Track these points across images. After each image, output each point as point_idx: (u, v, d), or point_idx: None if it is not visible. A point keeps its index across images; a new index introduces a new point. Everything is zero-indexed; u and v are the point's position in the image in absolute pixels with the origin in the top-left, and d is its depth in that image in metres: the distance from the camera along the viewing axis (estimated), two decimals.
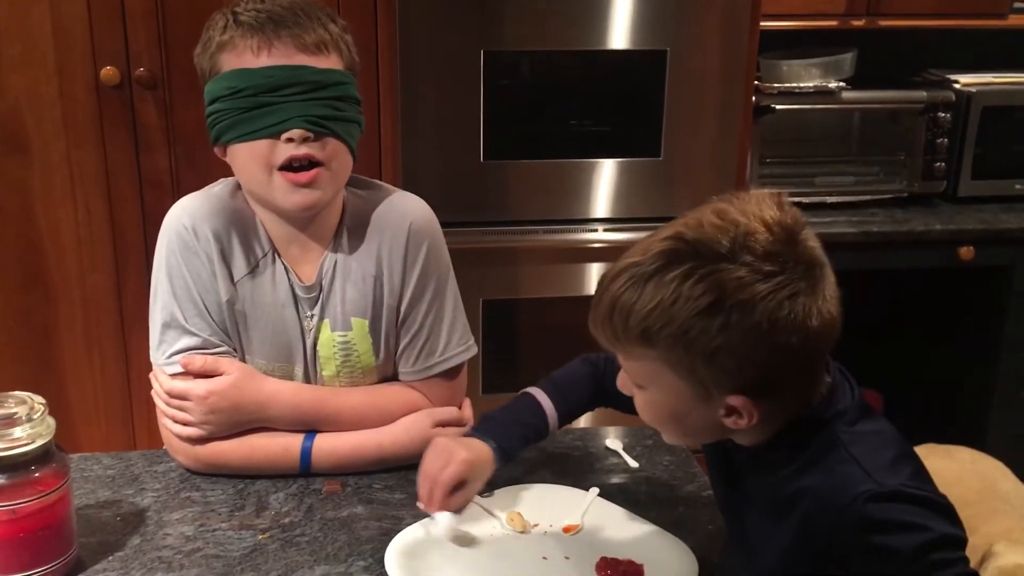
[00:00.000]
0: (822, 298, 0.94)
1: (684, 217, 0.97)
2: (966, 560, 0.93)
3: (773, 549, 1.01)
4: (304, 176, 1.25)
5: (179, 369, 1.31)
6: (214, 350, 1.31)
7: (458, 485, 1.18)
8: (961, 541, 0.94)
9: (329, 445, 1.34)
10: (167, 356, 1.32)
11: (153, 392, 1.35)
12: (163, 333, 1.32)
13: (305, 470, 1.33)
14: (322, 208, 1.31)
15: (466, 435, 1.26)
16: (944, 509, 0.94)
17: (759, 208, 0.94)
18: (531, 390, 1.28)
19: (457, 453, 1.18)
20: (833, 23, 2.59)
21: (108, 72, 2.14)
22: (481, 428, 1.26)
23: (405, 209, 1.38)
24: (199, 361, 1.30)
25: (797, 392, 0.98)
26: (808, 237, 0.95)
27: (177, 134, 2.21)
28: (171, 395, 1.30)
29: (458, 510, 1.19)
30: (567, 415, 1.28)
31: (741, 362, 0.92)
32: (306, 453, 1.32)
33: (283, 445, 1.33)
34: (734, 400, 0.95)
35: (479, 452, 1.21)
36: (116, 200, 2.24)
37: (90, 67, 2.15)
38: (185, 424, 1.30)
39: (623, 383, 1.04)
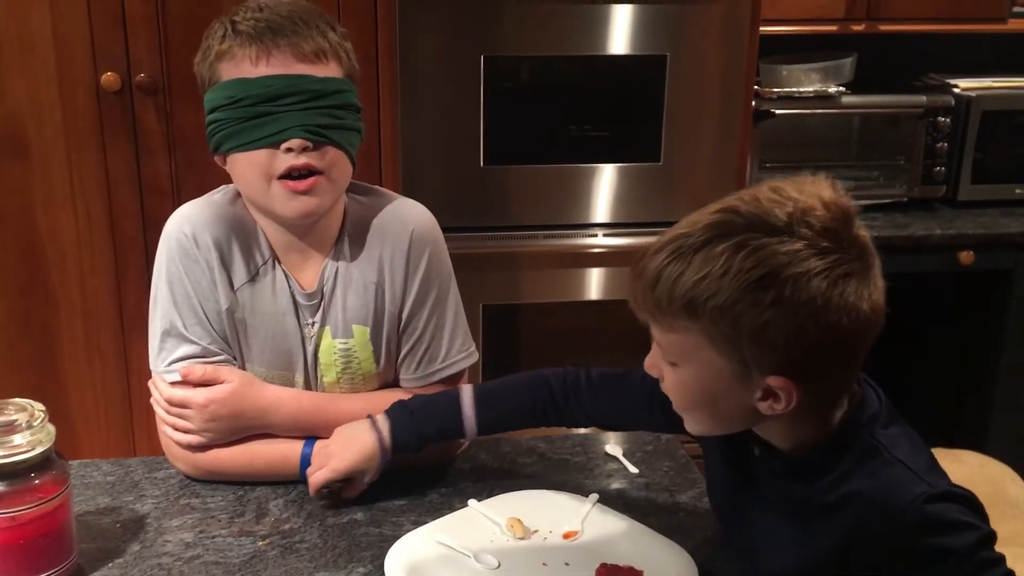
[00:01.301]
0: (873, 285, 0.93)
1: (736, 193, 0.95)
2: (1003, 556, 0.94)
3: (796, 555, 1.00)
4: (302, 184, 1.25)
5: (178, 377, 1.31)
6: (213, 359, 1.31)
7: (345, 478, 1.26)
8: (996, 538, 0.94)
9: None
10: (166, 364, 1.32)
11: (152, 400, 1.35)
12: (162, 341, 1.32)
13: (305, 476, 1.32)
14: (321, 215, 1.31)
15: (370, 418, 1.28)
16: (981, 508, 0.95)
17: (816, 188, 0.93)
18: (463, 390, 1.28)
19: (331, 463, 1.25)
20: (833, 28, 2.59)
21: (109, 77, 2.14)
22: (391, 412, 1.28)
23: (407, 216, 1.38)
24: (199, 371, 1.30)
25: (836, 382, 0.96)
26: (860, 224, 0.94)
27: (177, 139, 2.21)
28: (171, 403, 1.30)
29: (348, 499, 1.28)
30: (494, 422, 1.27)
31: (788, 340, 0.90)
32: (306, 460, 1.31)
33: (283, 452, 1.33)
34: (774, 381, 0.92)
35: (356, 455, 1.25)
36: (116, 205, 2.24)
37: (91, 72, 2.15)
38: (185, 432, 1.30)
39: (652, 363, 1.01)
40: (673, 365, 0.98)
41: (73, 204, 2.23)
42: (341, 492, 1.28)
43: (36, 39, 2.12)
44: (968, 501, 0.94)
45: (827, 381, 0.95)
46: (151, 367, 1.35)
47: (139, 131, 2.20)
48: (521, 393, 1.27)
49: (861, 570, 0.96)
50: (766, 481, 1.05)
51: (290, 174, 1.25)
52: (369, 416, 1.28)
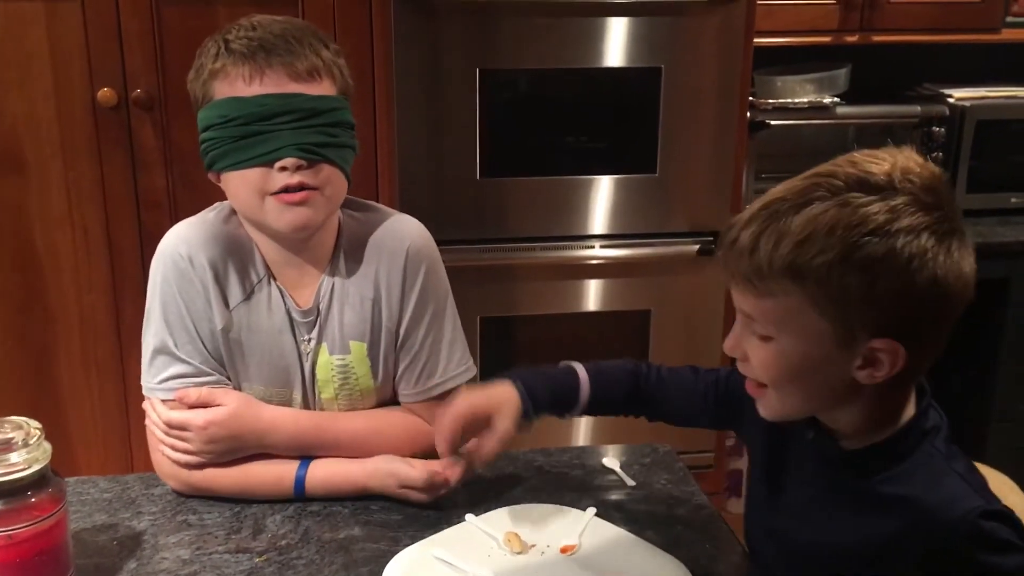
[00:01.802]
0: (968, 249, 0.92)
1: (826, 163, 0.94)
2: None
3: (834, 539, 0.99)
4: (296, 195, 1.25)
5: (170, 396, 1.31)
6: (205, 379, 1.31)
7: (478, 427, 1.16)
8: None
9: (323, 474, 1.32)
10: (157, 380, 1.32)
11: (148, 421, 1.34)
12: (153, 358, 1.32)
13: (300, 496, 1.32)
14: (316, 229, 1.31)
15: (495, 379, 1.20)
16: None
17: (908, 155, 0.93)
18: (572, 363, 1.23)
19: (481, 390, 1.16)
20: (827, 39, 2.60)
21: (105, 93, 2.15)
22: (510, 374, 1.20)
23: (402, 232, 1.38)
24: (194, 394, 1.30)
25: (933, 349, 0.94)
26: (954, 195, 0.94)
27: (174, 155, 2.21)
28: (170, 425, 1.30)
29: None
30: (599, 401, 1.22)
31: (896, 296, 0.88)
32: (300, 481, 1.31)
33: (278, 474, 1.32)
34: (879, 343, 0.90)
35: (503, 390, 1.16)
36: (113, 221, 2.24)
37: (87, 88, 2.16)
38: (184, 452, 1.30)
39: (735, 344, 0.98)
40: (766, 339, 0.95)
41: (70, 220, 2.23)
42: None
43: (33, 55, 2.13)
44: (1019, 525, 0.93)
45: (927, 346, 0.93)
46: (142, 382, 1.35)
47: (136, 146, 2.21)
48: (620, 380, 1.24)
49: (899, 572, 0.95)
50: (814, 465, 1.03)
51: (285, 190, 1.25)
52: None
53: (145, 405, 1.35)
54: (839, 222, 0.88)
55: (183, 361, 1.31)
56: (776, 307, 0.92)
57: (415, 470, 1.29)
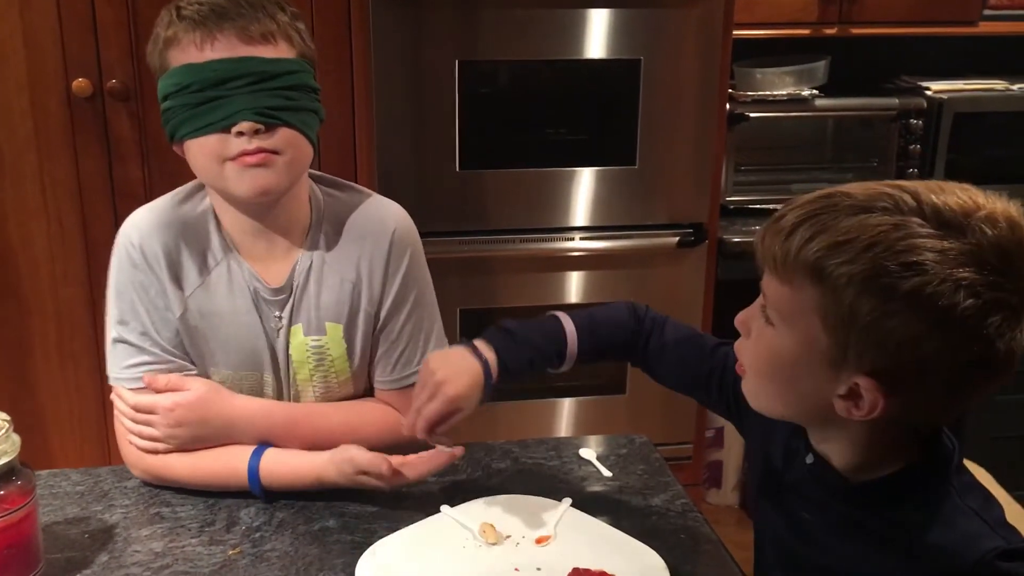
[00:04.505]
0: (1021, 329, 0.83)
1: (925, 181, 0.86)
2: None
3: (853, 573, 0.96)
4: (253, 158, 1.22)
5: (136, 384, 1.30)
6: (167, 365, 1.30)
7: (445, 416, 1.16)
8: None
9: (276, 462, 1.28)
10: (121, 368, 1.31)
11: (116, 412, 1.33)
12: (114, 347, 1.32)
13: (258, 488, 1.28)
14: (279, 194, 1.27)
15: (468, 344, 1.18)
16: None
17: (1008, 206, 0.83)
18: (558, 315, 1.21)
19: (444, 390, 1.14)
20: (806, 31, 2.61)
21: (80, 84, 2.13)
22: (489, 337, 1.18)
23: (387, 215, 1.37)
24: (163, 380, 1.29)
25: (929, 411, 0.88)
26: None
27: (150, 146, 2.20)
28: (138, 409, 1.29)
29: (441, 440, 1.19)
30: (591, 351, 1.20)
31: (902, 342, 0.81)
32: (253, 472, 1.28)
33: (229, 460, 1.29)
34: (864, 382, 0.84)
35: (467, 383, 1.15)
36: (89, 212, 2.22)
37: (62, 79, 2.14)
38: (151, 439, 1.29)
39: (745, 319, 0.94)
40: (769, 323, 0.91)
41: (45, 211, 2.21)
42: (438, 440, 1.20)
43: (6, 46, 2.11)
44: None
45: (921, 406, 0.86)
46: (108, 372, 1.34)
47: (111, 137, 2.19)
48: (617, 327, 1.21)
49: None
50: (821, 493, 0.97)
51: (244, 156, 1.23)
52: (465, 343, 1.19)
53: (113, 396, 1.34)
54: (882, 240, 0.81)
55: (143, 350, 1.30)
56: (788, 298, 0.88)
57: (374, 455, 1.26)
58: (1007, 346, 0.82)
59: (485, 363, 1.16)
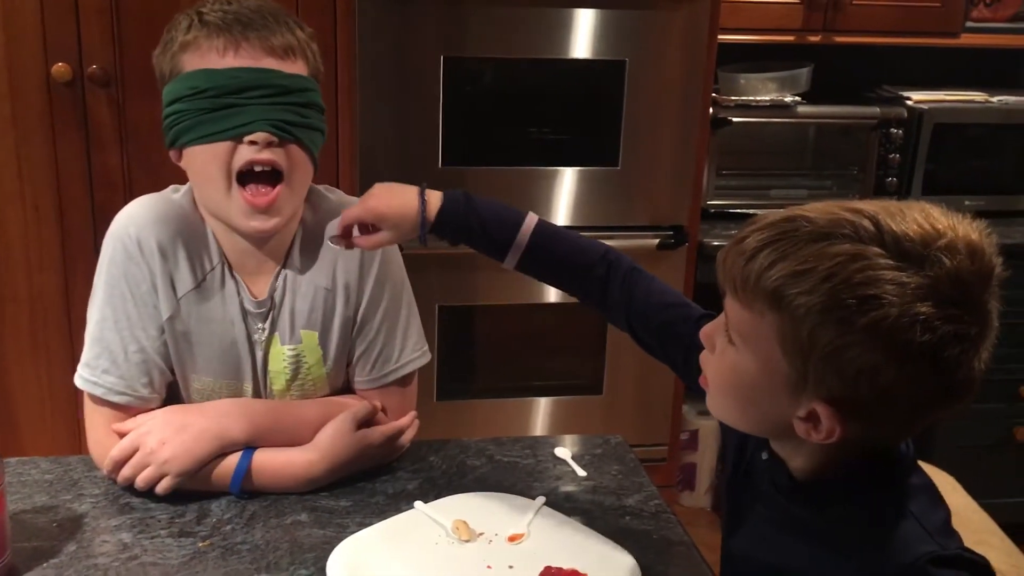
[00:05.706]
0: (978, 358, 0.83)
1: (885, 202, 0.86)
2: None
3: (775, 569, 0.97)
4: (263, 200, 1.23)
5: (107, 398, 1.28)
6: (134, 396, 1.29)
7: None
8: None
9: (261, 466, 1.28)
10: (94, 374, 1.29)
11: (90, 422, 1.31)
12: (93, 346, 1.29)
13: (238, 491, 1.27)
14: (280, 230, 1.29)
15: (424, 185, 1.20)
16: (990, 574, 0.90)
17: (969, 231, 0.83)
18: (530, 213, 1.20)
19: (368, 200, 1.19)
20: (790, 38, 2.62)
21: (60, 68, 2.11)
22: (446, 191, 1.19)
23: None
24: (129, 424, 1.27)
25: (886, 434, 0.89)
26: (996, 291, 0.84)
27: (130, 133, 2.18)
28: (122, 456, 1.25)
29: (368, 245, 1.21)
30: (542, 262, 1.20)
31: (860, 373, 0.82)
32: (240, 473, 1.27)
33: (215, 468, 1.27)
34: (823, 408, 0.85)
35: (394, 205, 1.17)
36: (66, 199, 2.20)
37: (41, 63, 2.11)
38: (149, 479, 1.24)
39: (709, 333, 0.94)
40: (731, 344, 0.91)
41: (21, 197, 2.19)
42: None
43: None
44: (979, 569, 0.89)
45: (878, 431, 0.88)
46: (81, 367, 1.31)
47: (90, 124, 2.17)
48: (580, 252, 1.19)
49: None
50: (766, 489, 0.99)
51: (251, 170, 1.22)
52: (422, 186, 1.19)
53: (87, 402, 1.32)
54: (839, 272, 0.81)
55: (117, 365, 1.28)
56: (749, 322, 0.88)
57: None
58: (966, 375, 0.83)
59: (424, 202, 1.17)
